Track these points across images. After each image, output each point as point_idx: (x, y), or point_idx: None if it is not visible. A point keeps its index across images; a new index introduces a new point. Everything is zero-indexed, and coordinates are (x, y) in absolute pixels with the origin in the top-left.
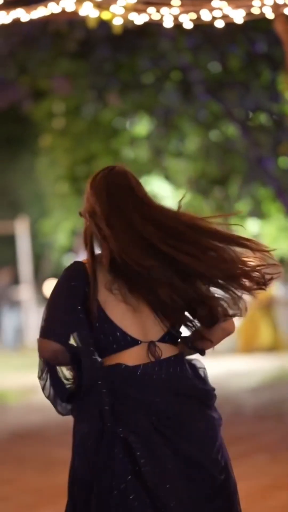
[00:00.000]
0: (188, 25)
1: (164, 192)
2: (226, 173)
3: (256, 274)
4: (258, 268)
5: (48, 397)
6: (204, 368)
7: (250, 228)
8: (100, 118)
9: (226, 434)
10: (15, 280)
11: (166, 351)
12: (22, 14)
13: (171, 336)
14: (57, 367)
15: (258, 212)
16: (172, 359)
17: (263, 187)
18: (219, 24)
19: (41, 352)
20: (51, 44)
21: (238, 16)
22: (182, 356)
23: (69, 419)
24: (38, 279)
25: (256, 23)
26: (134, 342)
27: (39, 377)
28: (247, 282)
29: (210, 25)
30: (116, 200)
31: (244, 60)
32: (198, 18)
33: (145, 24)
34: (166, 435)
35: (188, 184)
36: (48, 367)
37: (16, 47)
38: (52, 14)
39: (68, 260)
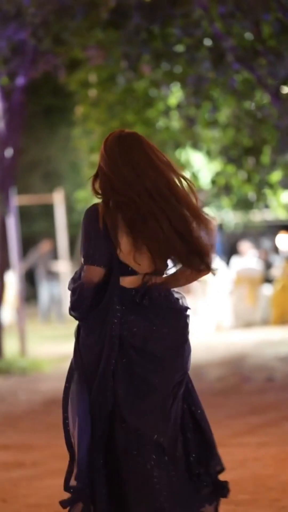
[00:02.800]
0: None
1: (196, 161)
2: (258, 142)
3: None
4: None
5: (74, 306)
6: (180, 295)
7: (283, 198)
8: (133, 88)
9: (257, 401)
10: (54, 252)
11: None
12: None
13: (159, 271)
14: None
15: None
16: (157, 286)
17: None
18: None
19: (90, 277)
20: (84, 13)
21: None
22: (163, 284)
23: None
24: (75, 250)
25: None
26: (133, 272)
27: (72, 290)
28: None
29: None
30: (127, 156)
31: (276, 28)
32: None
33: None
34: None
35: (221, 153)
36: (81, 287)
37: (49, 17)
38: None
39: None
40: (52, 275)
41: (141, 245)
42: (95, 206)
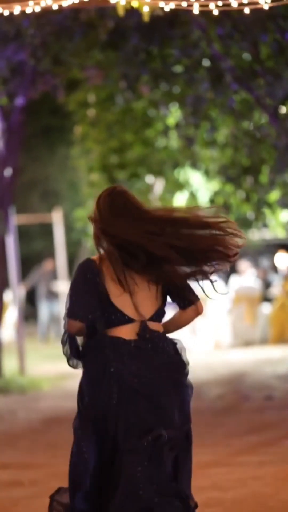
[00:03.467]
0: (215, 12)
1: (195, 180)
2: (256, 161)
3: (224, 245)
4: (226, 237)
5: (65, 354)
6: (181, 344)
7: (281, 217)
8: (132, 107)
9: (256, 420)
10: (56, 271)
11: (153, 328)
12: (52, 3)
13: (158, 315)
14: (76, 337)
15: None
16: (156, 335)
17: None
18: (246, 11)
19: (69, 328)
20: (83, 34)
21: (265, 3)
22: (163, 333)
23: None
24: (74, 268)
25: (286, 12)
26: (130, 320)
27: (62, 342)
28: (217, 254)
29: (239, 13)
30: (117, 210)
31: (274, 49)
32: (226, 5)
33: (175, 14)
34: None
35: (219, 172)
36: (69, 336)
37: (48, 38)
38: (82, 2)
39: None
40: (53, 295)
41: (137, 290)
42: (88, 260)
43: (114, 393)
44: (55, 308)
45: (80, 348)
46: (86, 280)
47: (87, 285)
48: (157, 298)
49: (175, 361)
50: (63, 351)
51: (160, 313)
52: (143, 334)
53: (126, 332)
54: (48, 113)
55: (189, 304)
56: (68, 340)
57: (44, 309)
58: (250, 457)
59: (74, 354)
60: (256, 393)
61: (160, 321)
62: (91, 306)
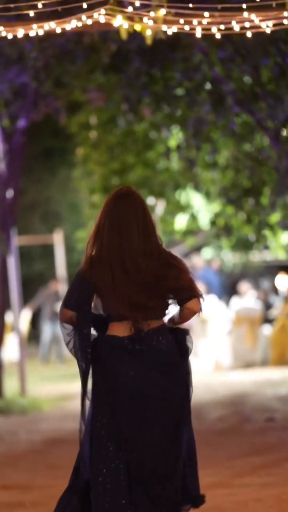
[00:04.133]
0: (218, 35)
1: (196, 202)
2: (257, 183)
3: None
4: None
5: (72, 350)
6: (183, 336)
7: (282, 239)
8: (133, 130)
9: (258, 441)
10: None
11: (147, 325)
12: (55, 27)
13: (152, 314)
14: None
15: None
16: (150, 332)
17: None
18: (249, 34)
19: (61, 317)
20: (85, 57)
21: (267, 27)
22: (160, 328)
23: None
24: None
25: (287, 36)
26: (124, 317)
27: (67, 334)
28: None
29: (241, 37)
30: (116, 221)
31: (275, 72)
32: (228, 29)
33: (177, 37)
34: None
35: (220, 194)
36: (74, 328)
37: (50, 60)
38: (85, 25)
39: None
40: (56, 316)
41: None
42: (82, 266)
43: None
44: (58, 329)
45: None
46: (81, 281)
47: (82, 285)
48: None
49: (170, 362)
50: (69, 347)
51: (157, 310)
52: (137, 331)
53: (121, 330)
54: (49, 135)
55: (185, 301)
56: (76, 331)
57: (47, 330)
58: (252, 479)
59: (85, 343)
60: (258, 414)
61: (158, 318)
62: (83, 298)
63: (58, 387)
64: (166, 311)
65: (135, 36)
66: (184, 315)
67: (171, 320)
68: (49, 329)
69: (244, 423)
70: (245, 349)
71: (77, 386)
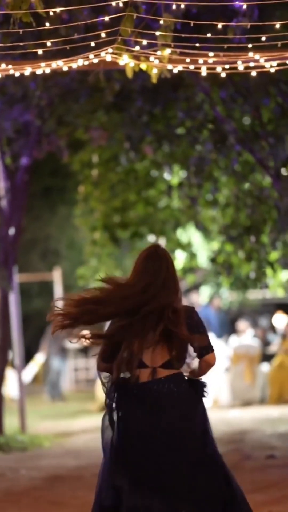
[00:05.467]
0: (223, 74)
1: (196, 240)
2: (258, 221)
3: None
4: None
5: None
6: (201, 383)
7: (281, 277)
8: (135, 168)
9: (259, 479)
10: None
11: (164, 373)
12: (63, 65)
13: (170, 363)
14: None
15: None
16: (164, 378)
17: None
18: (253, 74)
19: (97, 367)
20: (88, 96)
21: (271, 66)
22: (175, 375)
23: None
24: None
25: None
26: (145, 366)
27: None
28: None
29: (243, 78)
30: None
31: (275, 112)
32: (233, 68)
33: (180, 77)
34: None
35: (220, 232)
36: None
37: (54, 99)
38: (91, 64)
39: None
40: (64, 351)
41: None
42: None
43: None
44: (65, 365)
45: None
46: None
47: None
48: (167, 350)
49: (180, 401)
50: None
51: (172, 361)
52: (153, 377)
53: (144, 376)
54: (49, 174)
55: (200, 355)
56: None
57: (55, 367)
58: None
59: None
60: (258, 452)
61: (172, 368)
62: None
63: (58, 424)
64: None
65: (137, 75)
66: (202, 368)
67: (192, 372)
68: (57, 366)
69: (245, 460)
70: (244, 387)
71: (76, 423)
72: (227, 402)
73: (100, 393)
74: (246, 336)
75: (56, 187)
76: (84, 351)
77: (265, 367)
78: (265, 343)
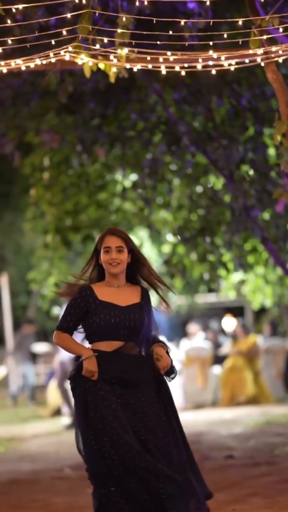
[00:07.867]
0: (183, 73)
1: (148, 242)
2: (212, 223)
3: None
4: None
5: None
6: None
7: (235, 278)
8: (87, 171)
9: (220, 478)
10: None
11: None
12: (22, 63)
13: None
14: None
15: (243, 263)
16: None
17: (249, 238)
18: (213, 72)
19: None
20: (39, 99)
21: (230, 65)
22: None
23: (60, 468)
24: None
25: (240, 78)
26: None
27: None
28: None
29: (196, 79)
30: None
31: (229, 113)
32: (191, 67)
33: (131, 79)
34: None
35: (173, 234)
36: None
37: (5, 102)
38: (49, 63)
39: (55, 311)
40: (32, 356)
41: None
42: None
43: None
44: (32, 370)
45: None
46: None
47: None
48: None
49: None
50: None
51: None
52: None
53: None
54: None
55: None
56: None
57: (30, 372)
58: None
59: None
60: (216, 452)
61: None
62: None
63: (10, 429)
64: None
65: (90, 77)
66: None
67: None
68: (31, 371)
69: (204, 461)
70: (196, 390)
71: (28, 428)
72: (179, 405)
73: (51, 399)
74: (197, 339)
75: (0, 193)
76: (33, 357)
77: (217, 369)
78: (217, 345)
